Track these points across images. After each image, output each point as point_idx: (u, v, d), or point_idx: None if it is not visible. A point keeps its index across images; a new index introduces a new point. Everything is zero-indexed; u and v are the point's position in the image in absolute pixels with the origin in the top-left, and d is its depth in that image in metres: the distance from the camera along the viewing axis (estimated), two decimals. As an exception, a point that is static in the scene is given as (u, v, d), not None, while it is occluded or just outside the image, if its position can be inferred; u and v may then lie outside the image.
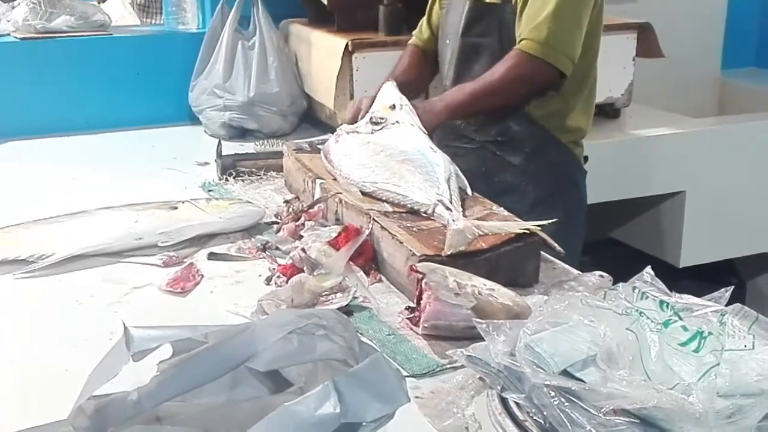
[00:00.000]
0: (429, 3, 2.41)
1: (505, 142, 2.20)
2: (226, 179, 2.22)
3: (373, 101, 2.13)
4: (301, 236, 1.74)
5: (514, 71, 2.05)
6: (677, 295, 1.16)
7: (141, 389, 1.00)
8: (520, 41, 2.07)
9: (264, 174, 2.25)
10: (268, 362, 1.03)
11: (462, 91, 2.10)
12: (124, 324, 0.99)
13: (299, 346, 1.01)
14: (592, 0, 2.11)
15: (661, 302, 1.12)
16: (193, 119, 2.88)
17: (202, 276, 1.64)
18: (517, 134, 2.18)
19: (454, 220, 1.61)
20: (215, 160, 2.28)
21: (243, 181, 2.22)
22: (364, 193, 1.78)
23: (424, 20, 2.42)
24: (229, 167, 2.24)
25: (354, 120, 2.12)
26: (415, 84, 2.35)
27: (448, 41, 2.28)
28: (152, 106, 2.91)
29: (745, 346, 1.04)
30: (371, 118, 2.04)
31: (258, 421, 0.95)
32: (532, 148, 2.19)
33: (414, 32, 2.45)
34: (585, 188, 2.31)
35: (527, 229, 1.57)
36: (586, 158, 2.31)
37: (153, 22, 3.76)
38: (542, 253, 1.64)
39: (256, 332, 1.06)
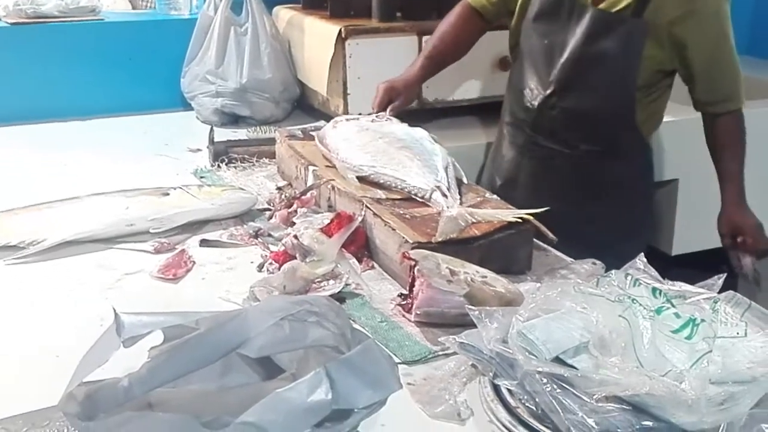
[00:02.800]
0: None
1: (609, 151, 2.15)
2: (219, 166, 2.21)
3: (398, 90, 2.15)
4: (294, 223, 1.73)
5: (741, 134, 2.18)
6: (670, 282, 1.16)
7: (132, 375, 1.00)
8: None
9: (256, 161, 2.24)
10: (260, 349, 1.03)
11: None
12: (114, 310, 0.99)
13: (291, 332, 1.01)
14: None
15: (654, 289, 1.12)
16: (186, 105, 2.86)
17: (194, 263, 1.63)
18: (622, 144, 2.16)
19: (448, 207, 1.60)
20: (207, 147, 2.27)
21: (235, 167, 2.21)
22: (360, 178, 1.78)
23: None
24: (222, 154, 2.23)
25: (382, 108, 2.14)
26: (454, 53, 2.31)
27: (547, 41, 2.13)
28: (144, 92, 2.90)
29: (738, 333, 1.04)
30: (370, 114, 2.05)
31: (250, 407, 0.94)
32: (632, 156, 2.19)
33: None
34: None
35: (520, 216, 1.57)
36: None
37: (145, 7, 3.73)
38: (535, 240, 1.64)
39: (248, 319, 1.06)
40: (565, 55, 2.09)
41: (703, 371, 0.96)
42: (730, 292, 1.10)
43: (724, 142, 2.15)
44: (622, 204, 2.18)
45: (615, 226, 2.14)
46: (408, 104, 2.24)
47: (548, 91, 2.12)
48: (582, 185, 2.16)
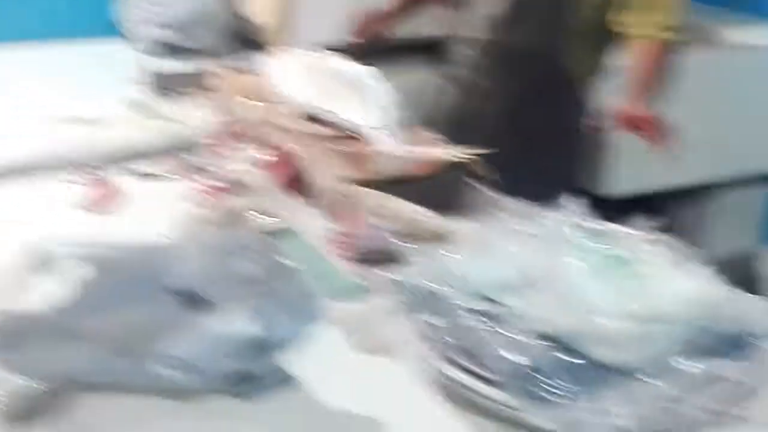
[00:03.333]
0: None
1: (534, 92, 2.13)
2: (156, 97, 2.16)
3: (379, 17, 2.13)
4: (231, 157, 1.70)
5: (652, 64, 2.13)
6: (601, 223, 1.17)
7: (56, 305, 0.99)
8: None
9: (196, 93, 2.19)
10: (188, 281, 1.02)
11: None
12: (40, 240, 0.97)
13: (219, 265, 1.00)
14: None
15: (585, 229, 1.13)
16: (122, 34, 2.77)
17: (125, 195, 1.60)
18: (548, 86, 2.14)
19: (388, 146, 1.59)
20: (144, 78, 2.22)
21: (174, 100, 2.16)
22: (302, 114, 1.75)
23: None
24: (159, 85, 2.18)
25: (361, 36, 2.10)
26: None
27: None
28: (79, 18, 2.78)
29: (664, 273, 1.05)
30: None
31: (175, 339, 0.94)
32: (559, 102, 2.16)
33: None
34: None
35: (460, 157, 1.56)
36: None
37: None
38: (474, 181, 1.64)
39: (176, 251, 1.05)
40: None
41: (627, 309, 0.98)
42: (658, 233, 1.12)
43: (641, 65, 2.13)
44: (554, 148, 2.18)
45: (546, 170, 2.12)
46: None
47: (483, 30, 2.11)
48: (515, 126, 2.15)
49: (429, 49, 2.61)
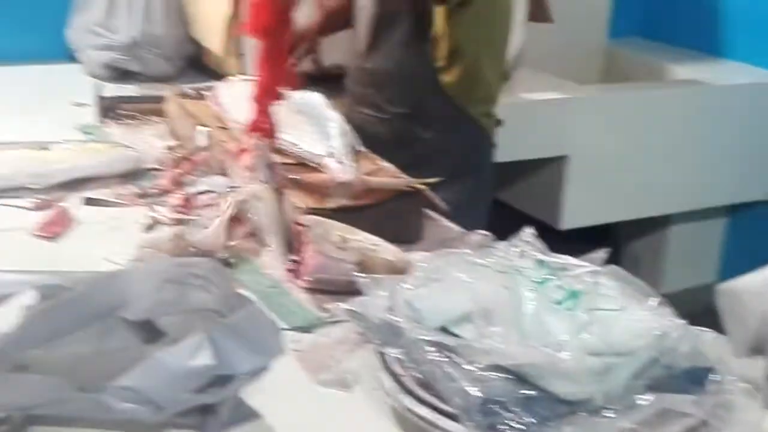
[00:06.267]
0: None
1: (417, 116, 2.12)
2: (105, 122, 2.13)
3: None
4: (183, 184, 1.69)
5: None
6: (555, 255, 1.18)
7: (5, 335, 0.96)
8: None
9: (146, 119, 2.17)
10: (141, 311, 1.00)
11: None
12: (-14, 267, 0.94)
13: (173, 295, 0.99)
14: None
15: (539, 261, 1.14)
16: (72, 58, 2.74)
17: (76, 221, 1.57)
18: (429, 109, 2.12)
19: (342, 174, 1.59)
20: (94, 102, 2.19)
21: (123, 125, 2.13)
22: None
23: None
24: (109, 109, 2.15)
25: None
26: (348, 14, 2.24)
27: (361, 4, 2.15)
28: (25, 40, 2.74)
29: (618, 306, 1.06)
30: None
31: (128, 371, 0.92)
32: (443, 123, 2.12)
33: None
34: (491, 164, 2.27)
35: (413, 186, 1.57)
36: (499, 122, 2.24)
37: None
38: (427, 211, 1.64)
39: (129, 280, 1.03)
40: (364, 13, 2.11)
41: (583, 342, 0.98)
42: (612, 267, 1.13)
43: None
44: (447, 175, 1.99)
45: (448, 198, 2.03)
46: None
47: (359, 54, 2.14)
48: (399, 152, 2.04)
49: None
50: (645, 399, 0.96)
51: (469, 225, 1.59)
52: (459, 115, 2.13)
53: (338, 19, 2.27)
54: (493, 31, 2.13)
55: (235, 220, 1.51)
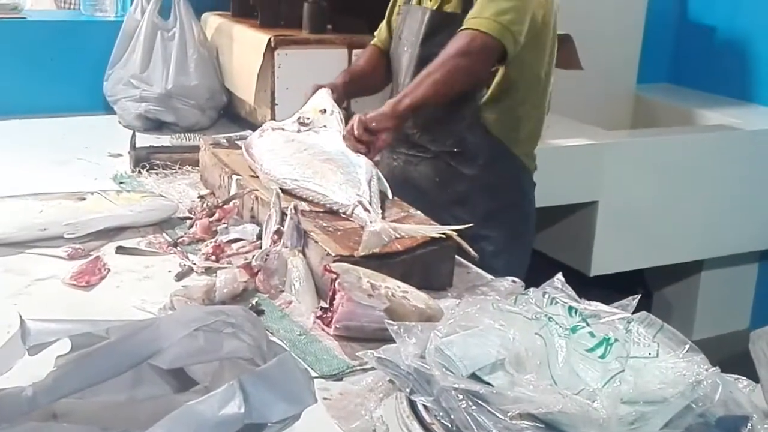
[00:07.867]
0: (390, 4, 2.34)
1: (460, 153, 2.14)
2: (139, 172, 2.16)
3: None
4: (215, 232, 1.71)
5: (462, 48, 1.95)
6: (586, 302, 1.18)
7: (37, 384, 0.96)
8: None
9: (179, 168, 2.20)
10: (173, 360, 1.00)
11: (420, 84, 1.96)
12: (20, 316, 0.95)
13: (205, 343, 0.98)
14: None
15: (570, 308, 1.13)
16: (108, 109, 2.80)
17: (109, 270, 1.59)
18: (472, 145, 2.13)
19: (371, 222, 1.60)
20: (128, 152, 2.23)
21: (157, 174, 2.16)
22: (284, 191, 1.76)
23: (383, 22, 2.35)
24: (143, 159, 2.19)
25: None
26: (370, 80, 2.29)
27: (405, 48, 2.19)
28: (65, 94, 2.82)
29: (650, 354, 1.05)
30: (299, 118, 2.01)
31: (159, 420, 0.92)
32: (486, 160, 2.14)
33: (375, 33, 2.38)
34: (534, 201, 2.29)
35: (443, 233, 1.57)
36: (535, 167, 2.27)
37: (70, 7, 3.65)
38: (457, 257, 1.64)
39: (161, 328, 1.03)
40: (411, 58, 2.14)
41: (615, 390, 0.97)
42: (644, 313, 1.12)
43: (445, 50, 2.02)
44: (489, 211, 2.13)
45: (493, 236, 2.08)
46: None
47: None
48: (443, 190, 2.14)
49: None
50: (679, 447, 0.95)
51: (514, 262, 1.58)
52: (502, 154, 2.16)
53: (361, 90, 2.29)
54: (539, 72, 2.14)
55: (266, 270, 1.52)
